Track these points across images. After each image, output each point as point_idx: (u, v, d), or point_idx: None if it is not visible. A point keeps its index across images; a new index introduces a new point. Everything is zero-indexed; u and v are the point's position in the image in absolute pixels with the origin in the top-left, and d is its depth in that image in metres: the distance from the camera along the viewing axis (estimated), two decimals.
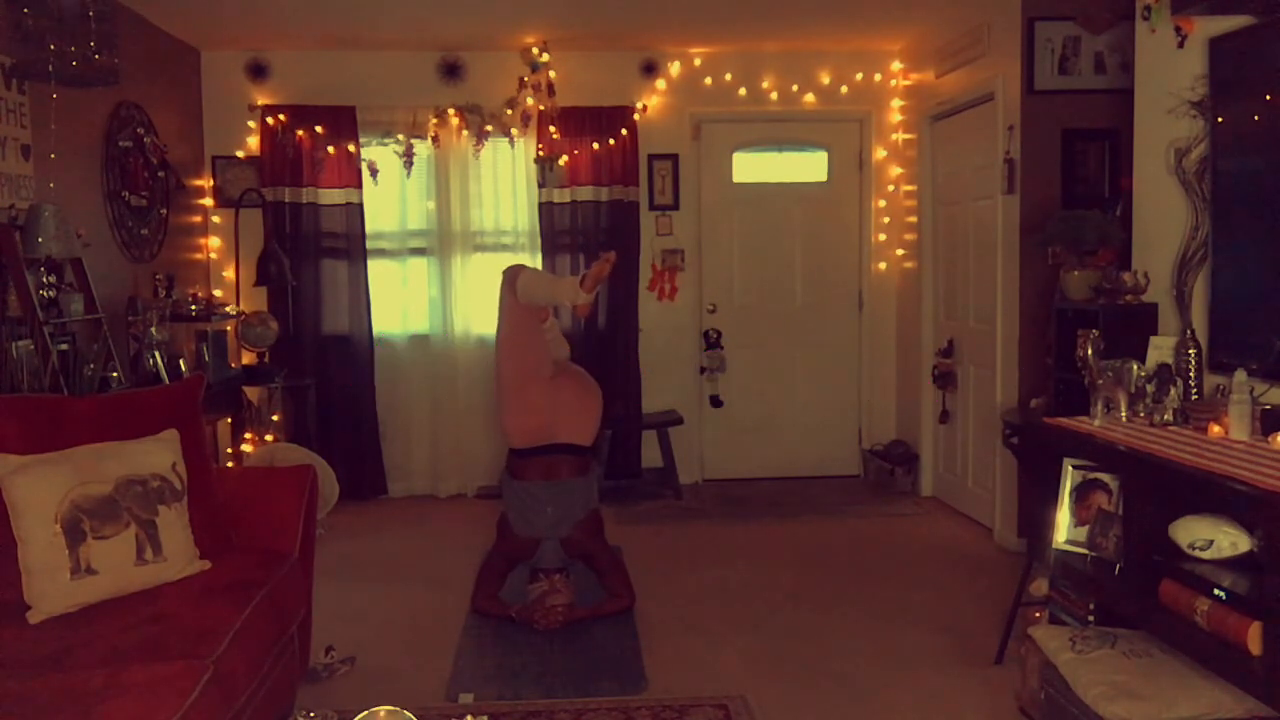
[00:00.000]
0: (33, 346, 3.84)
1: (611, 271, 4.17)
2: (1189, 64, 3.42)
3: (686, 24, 5.84)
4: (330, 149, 6.17)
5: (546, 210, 6.33)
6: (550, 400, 4.18)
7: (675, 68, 6.43)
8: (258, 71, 6.24)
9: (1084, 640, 2.97)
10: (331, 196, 6.23)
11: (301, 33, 5.87)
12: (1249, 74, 3.12)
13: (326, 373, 6.27)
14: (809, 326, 6.74)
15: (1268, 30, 3.04)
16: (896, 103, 6.58)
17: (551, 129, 6.19)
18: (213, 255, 6.34)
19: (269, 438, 5.79)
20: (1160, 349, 3.38)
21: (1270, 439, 2.77)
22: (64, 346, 4.11)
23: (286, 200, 6.20)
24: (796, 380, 6.75)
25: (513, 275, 4.16)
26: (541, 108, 6.18)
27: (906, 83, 6.47)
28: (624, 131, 6.33)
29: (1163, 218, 3.61)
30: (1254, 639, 2.35)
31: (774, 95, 6.51)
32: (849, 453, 6.81)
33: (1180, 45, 3.47)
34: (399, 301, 6.47)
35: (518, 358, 4.17)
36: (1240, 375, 2.91)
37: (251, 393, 5.91)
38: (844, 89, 6.54)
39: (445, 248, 6.36)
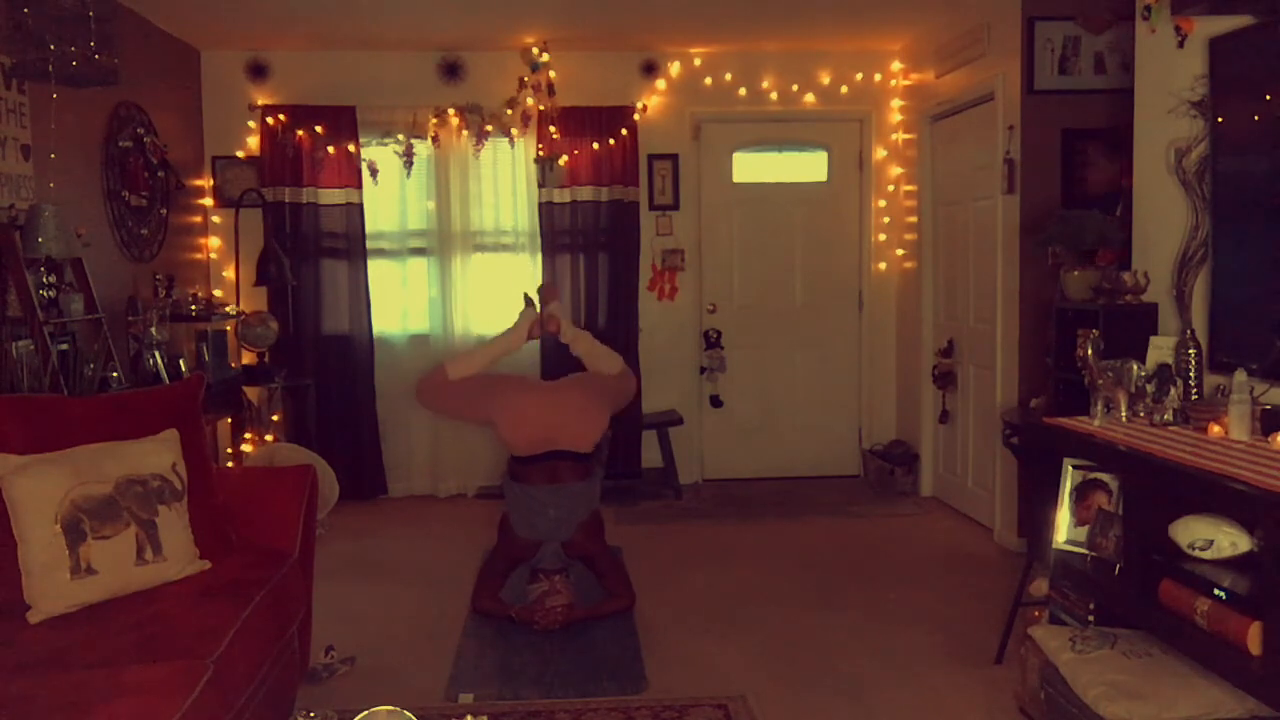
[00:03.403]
0: (33, 346, 3.84)
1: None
2: (1189, 64, 3.42)
3: (686, 24, 5.84)
4: (330, 149, 6.17)
5: (546, 210, 6.33)
6: (545, 410, 4.18)
7: (675, 68, 6.43)
8: (258, 71, 6.24)
9: (1084, 640, 2.97)
10: (331, 196, 6.23)
11: (301, 33, 5.87)
12: (1249, 74, 3.12)
13: (326, 373, 6.27)
14: (809, 326, 6.74)
15: (1268, 30, 3.04)
16: (896, 103, 6.57)
17: (551, 129, 6.19)
18: (213, 255, 6.34)
19: (269, 438, 5.79)
20: (1160, 349, 3.38)
21: (1270, 439, 2.77)
22: (64, 346, 4.11)
23: (286, 200, 6.20)
24: (796, 380, 6.75)
25: (431, 375, 4.35)
26: (541, 108, 6.18)
27: (906, 83, 6.47)
28: (624, 131, 6.32)
29: (1163, 218, 3.61)
30: (1254, 639, 2.35)
31: (774, 95, 6.51)
32: (849, 453, 6.81)
33: (1180, 45, 3.46)
34: (399, 301, 6.47)
35: (481, 403, 4.27)
36: (1240, 375, 2.91)
37: (251, 393, 5.91)
38: (844, 89, 6.54)
39: (445, 248, 6.36)
